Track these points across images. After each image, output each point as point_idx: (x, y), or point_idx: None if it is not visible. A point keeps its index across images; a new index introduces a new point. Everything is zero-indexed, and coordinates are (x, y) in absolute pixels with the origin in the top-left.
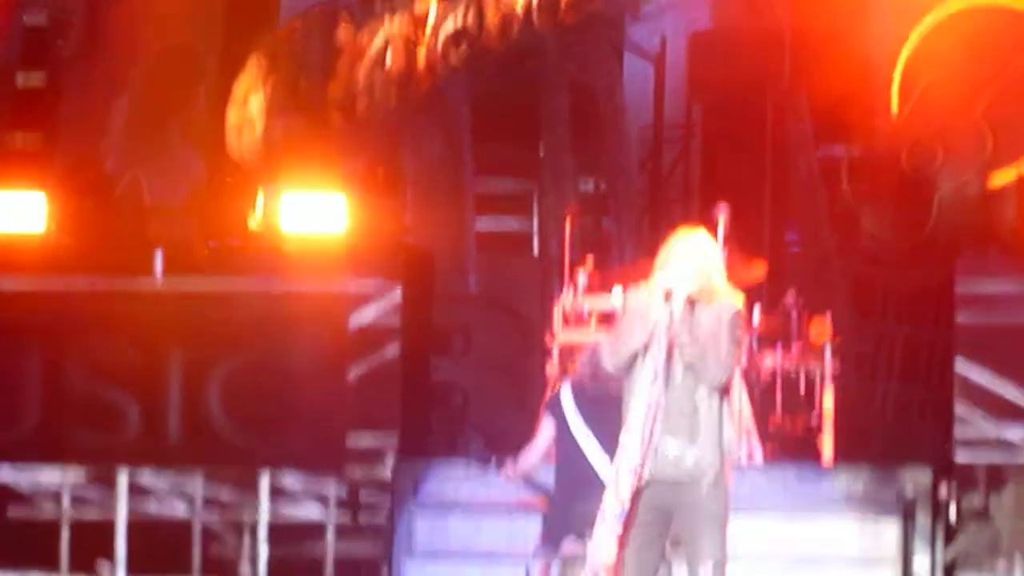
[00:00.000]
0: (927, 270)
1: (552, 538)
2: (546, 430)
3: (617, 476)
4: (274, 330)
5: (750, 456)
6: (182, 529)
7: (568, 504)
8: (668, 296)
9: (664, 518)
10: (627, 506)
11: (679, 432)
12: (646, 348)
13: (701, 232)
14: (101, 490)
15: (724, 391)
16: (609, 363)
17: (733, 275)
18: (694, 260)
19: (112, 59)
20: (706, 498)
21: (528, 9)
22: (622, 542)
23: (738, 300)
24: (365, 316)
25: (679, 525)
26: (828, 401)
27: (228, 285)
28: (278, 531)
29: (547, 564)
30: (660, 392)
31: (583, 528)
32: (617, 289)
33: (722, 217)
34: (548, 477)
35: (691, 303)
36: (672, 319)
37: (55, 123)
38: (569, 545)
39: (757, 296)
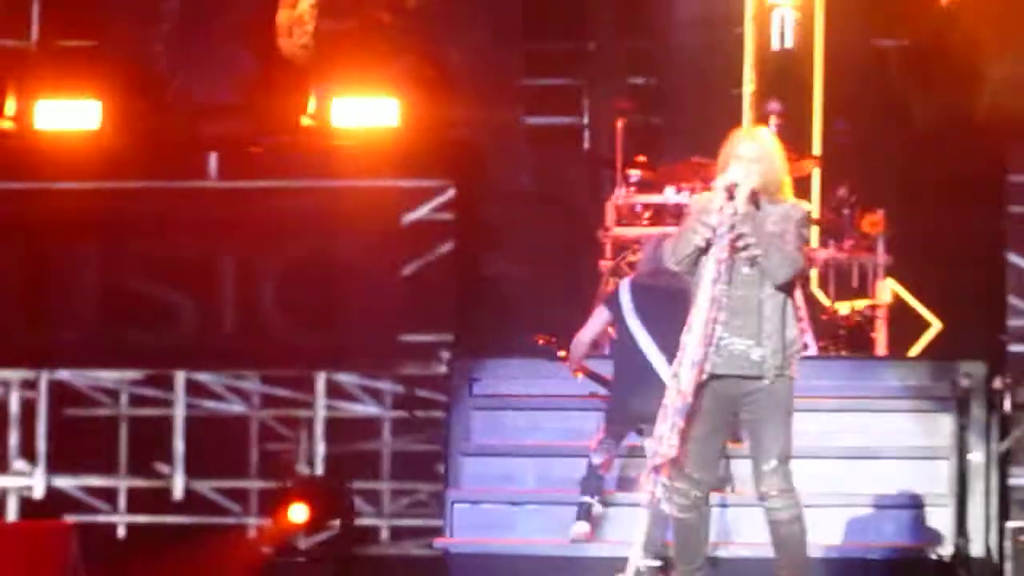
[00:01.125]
0: (978, 160)
1: (612, 433)
2: (599, 317)
3: (679, 371)
4: (327, 228)
5: (804, 349)
6: (239, 427)
7: (626, 399)
8: (731, 192)
9: (728, 409)
10: (689, 400)
11: (744, 329)
12: (709, 246)
13: (762, 130)
14: (158, 389)
15: (788, 288)
16: (672, 262)
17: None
18: (756, 157)
19: None
20: (770, 393)
21: None
22: (684, 436)
23: (806, 204)
24: (418, 213)
25: (744, 420)
26: (882, 293)
27: (281, 183)
28: (335, 428)
29: (609, 459)
30: (722, 289)
31: (642, 423)
32: (669, 188)
33: (773, 112)
34: (605, 372)
35: (755, 200)
36: (736, 215)
37: (106, 26)
38: (630, 440)
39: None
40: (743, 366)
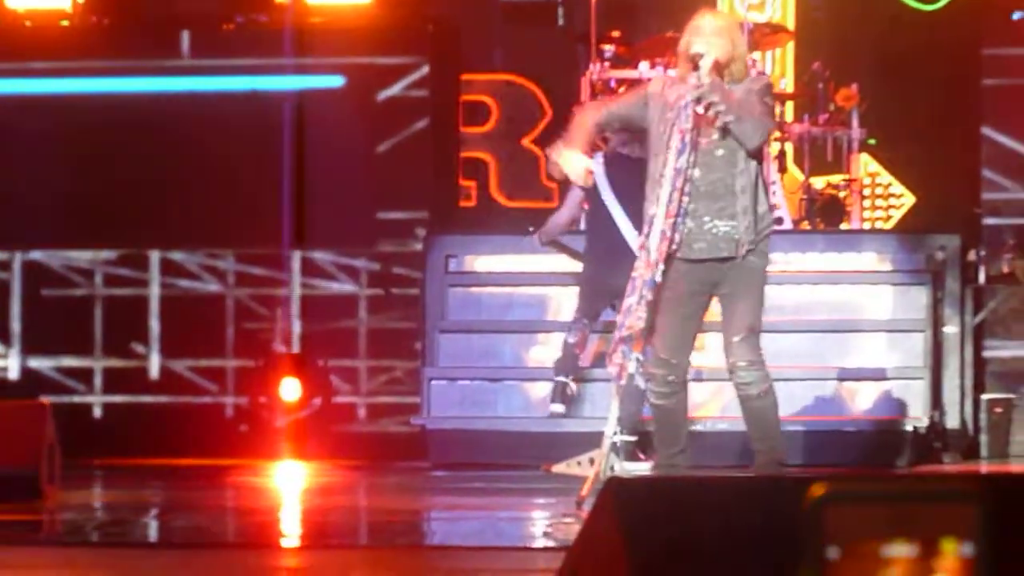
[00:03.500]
0: (953, 33)
1: (586, 310)
2: (574, 196)
3: (647, 243)
4: (300, 104)
5: (779, 223)
6: (215, 306)
7: (599, 274)
8: (696, 63)
9: (705, 292)
10: (658, 274)
11: (724, 211)
12: (676, 118)
13: (719, 11)
14: (133, 268)
15: (758, 160)
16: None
17: (761, 44)
18: (717, 30)
19: None
20: (745, 268)
21: None
22: (658, 321)
23: (765, 76)
24: (392, 90)
25: (721, 296)
26: (857, 167)
27: (254, 61)
28: (310, 306)
29: (583, 337)
30: (686, 162)
31: (616, 298)
32: (644, 64)
33: None
34: (580, 247)
35: (719, 71)
36: (701, 86)
37: None
38: (605, 316)
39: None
40: (724, 247)
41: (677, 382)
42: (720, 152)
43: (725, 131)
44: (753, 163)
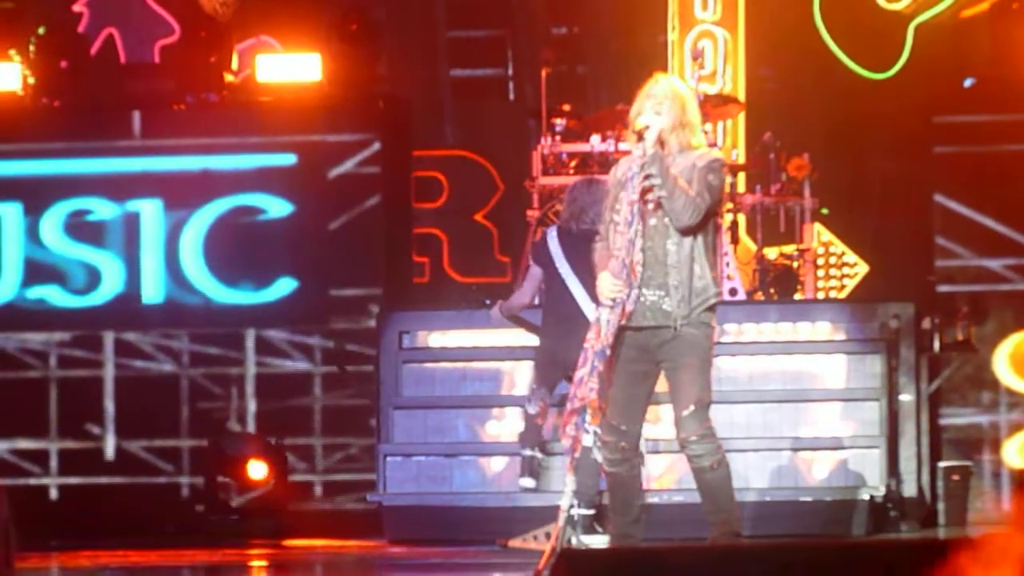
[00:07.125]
0: (904, 101)
1: (544, 381)
2: (534, 275)
3: (600, 314)
4: (254, 183)
5: (732, 294)
6: (170, 386)
7: (556, 346)
8: (642, 134)
9: (647, 359)
10: (608, 343)
11: (653, 280)
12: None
13: (673, 77)
14: (87, 350)
15: (698, 233)
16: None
17: (712, 115)
18: (664, 96)
19: None
20: (683, 339)
21: None
22: (607, 380)
23: (716, 151)
24: (344, 167)
25: (663, 368)
26: (810, 237)
27: (205, 141)
28: (265, 384)
29: (544, 407)
30: (635, 232)
31: (572, 371)
32: (595, 137)
33: (696, 57)
34: (535, 320)
35: (664, 143)
36: (645, 156)
37: None
38: (562, 389)
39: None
40: (655, 317)
41: (629, 449)
42: (653, 222)
43: (659, 204)
44: (689, 237)
